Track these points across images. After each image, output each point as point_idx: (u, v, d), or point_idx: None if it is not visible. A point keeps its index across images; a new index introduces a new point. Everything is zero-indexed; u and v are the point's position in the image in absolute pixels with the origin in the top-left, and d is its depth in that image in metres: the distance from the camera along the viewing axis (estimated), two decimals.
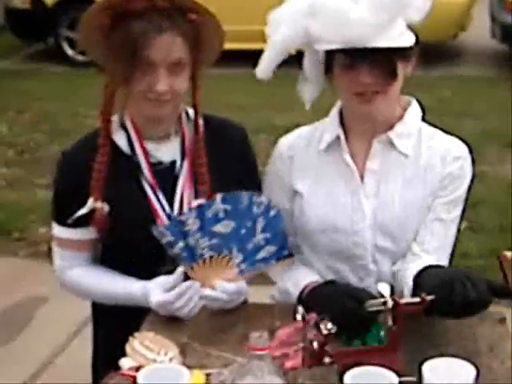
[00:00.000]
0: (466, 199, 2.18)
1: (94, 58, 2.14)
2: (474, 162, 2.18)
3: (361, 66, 2.00)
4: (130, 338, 1.93)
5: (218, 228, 2.08)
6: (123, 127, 2.18)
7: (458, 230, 2.21)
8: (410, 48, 2.04)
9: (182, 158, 2.19)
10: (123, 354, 1.90)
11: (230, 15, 6.88)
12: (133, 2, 2.00)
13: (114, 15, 2.02)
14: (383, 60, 1.99)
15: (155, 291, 2.06)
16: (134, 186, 2.16)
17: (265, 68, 2.12)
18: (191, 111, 2.22)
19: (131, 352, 1.90)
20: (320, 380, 1.82)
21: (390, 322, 1.86)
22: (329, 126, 2.21)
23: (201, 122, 2.22)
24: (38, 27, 9.92)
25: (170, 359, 1.87)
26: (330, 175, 2.19)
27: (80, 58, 9.05)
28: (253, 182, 2.32)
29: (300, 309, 1.91)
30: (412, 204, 2.12)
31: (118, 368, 1.86)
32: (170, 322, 2.06)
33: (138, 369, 1.81)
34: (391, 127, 2.15)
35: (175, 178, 2.18)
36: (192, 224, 2.05)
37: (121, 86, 2.10)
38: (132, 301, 2.12)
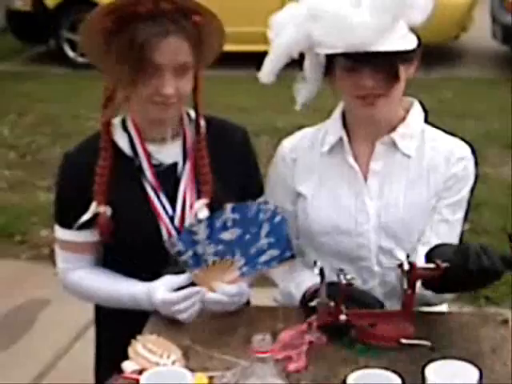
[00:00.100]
0: (469, 200, 2.18)
1: (94, 61, 2.13)
2: (476, 163, 2.18)
3: (363, 70, 2.00)
4: (133, 341, 1.93)
5: (225, 235, 2.08)
6: (125, 129, 2.18)
7: (462, 232, 2.21)
8: (412, 50, 2.04)
9: (184, 160, 2.19)
10: (126, 357, 1.90)
11: (232, 17, 6.88)
12: (137, 6, 1.99)
13: (118, 19, 2.01)
14: (385, 63, 1.99)
15: (161, 289, 2.06)
16: (136, 188, 2.16)
17: (268, 72, 2.13)
18: (192, 112, 2.22)
19: (134, 355, 1.90)
20: (323, 382, 1.82)
21: (405, 286, 1.88)
22: (332, 128, 2.21)
23: (202, 122, 2.22)
24: (40, 29, 9.93)
25: (173, 362, 1.87)
26: (333, 177, 2.19)
27: (81, 59, 9.04)
28: (255, 182, 2.33)
29: (318, 263, 1.92)
30: (416, 205, 2.12)
31: (120, 371, 1.86)
32: (172, 325, 2.06)
33: (140, 372, 1.81)
34: (394, 128, 2.15)
35: (177, 180, 2.18)
36: (202, 233, 2.05)
37: (125, 90, 2.10)
38: (135, 302, 2.12)
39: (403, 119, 2.17)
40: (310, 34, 2.04)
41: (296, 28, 2.06)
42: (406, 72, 2.06)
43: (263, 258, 2.12)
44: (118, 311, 2.20)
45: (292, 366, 1.88)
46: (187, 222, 2.13)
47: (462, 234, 2.22)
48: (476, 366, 1.75)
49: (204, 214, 2.14)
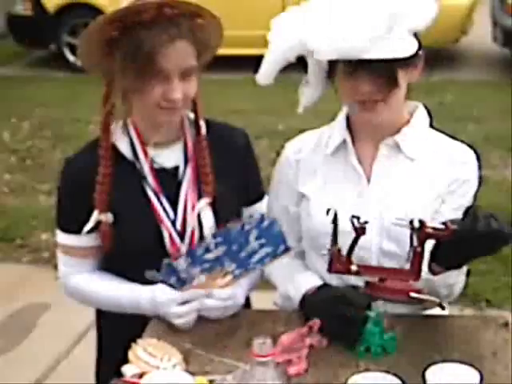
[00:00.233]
0: (473, 205, 2.18)
1: (93, 71, 2.12)
2: (480, 167, 2.18)
3: (360, 75, 2.00)
4: (133, 345, 1.93)
5: (209, 256, 2.10)
6: (126, 133, 2.18)
7: None
8: (412, 55, 2.02)
9: (185, 163, 2.19)
10: (126, 361, 1.90)
11: (232, 20, 6.90)
12: (141, 13, 1.98)
13: (122, 27, 2.00)
14: (382, 69, 1.98)
15: (166, 288, 2.08)
16: (138, 192, 2.15)
17: (265, 74, 2.13)
18: (192, 115, 2.22)
19: (134, 359, 1.89)
20: None
21: (415, 243, 1.89)
22: (336, 130, 2.21)
23: (202, 123, 2.22)
24: (40, 34, 9.95)
25: (173, 366, 1.87)
26: (336, 178, 2.19)
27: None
28: (255, 185, 2.34)
29: (332, 210, 1.96)
30: (419, 208, 2.12)
31: (121, 375, 1.86)
32: (172, 329, 2.06)
33: (141, 375, 1.82)
34: (398, 131, 2.15)
35: (178, 184, 2.18)
36: (183, 264, 2.08)
37: (127, 96, 2.10)
38: (136, 305, 2.13)
39: (407, 122, 2.17)
40: (304, 41, 2.03)
41: (291, 34, 2.06)
42: (406, 76, 2.05)
43: (256, 258, 2.12)
44: (119, 315, 2.20)
45: (292, 370, 1.88)
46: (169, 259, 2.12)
47: None
48: (477, 369, 1.75)
49: (207, 213, 2.15)
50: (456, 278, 2.04)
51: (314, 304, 2.06)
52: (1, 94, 8.65)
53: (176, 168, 2.19)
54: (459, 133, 2.24)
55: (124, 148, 2.17)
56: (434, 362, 1.80)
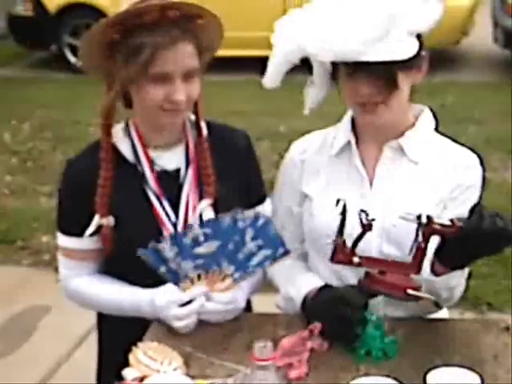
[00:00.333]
0: None
1: (94, 73, 2.13)
2: (484, 172, 2.17)
3: (359, 77, 2.00)
4: (134, 348, 1.93)
5: (200, 250, 2.08)
6: (127, 135, 2.18)
7: None
8: (412, 57, 2.02)
9: (187, 166, 2.19)
10: (127, 364, 1.89)
11: (232, 22, 6.89)
12: (143, 16, 1.98)
13: (124, 30, 2.00)
14: (381, 71, 1.98)
15: (165, 292, 2.07)
16: (139, 195, 2.15)
17: (271, 77, 2.12)
18: (193, 117, 2.22)
19: (135, 362, 1.89)
20: None
21: (420, 238, 1.89)
22: (341, 132, 2.21)
23: (203, 124, 2.22)
24: (41, 34, 9.96)
25: (174, 369, 1.87)
26: (340, 180, 2.19)
27: None
28: (257, 186, 2.33)
29: (341, 201, 1.96)
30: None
31: (121, 378, 1.86)
32: (173, 332, 2.06)
33: (141, 379, 1.82)
34: (402, 134, 2.14)
35: (180, 186, 2.18)
36: (169, 251, 2.07)
37: (130, 100, 2.10)
38: (137, 308, 2.12)
39: (412, 125, 2.16)
40: (303, 44, 2.03)
41: (292, 37, 2.06)
42: (409, 79, 2.05)
43: (255, 260, 2.12)
44: (120, 318, 2.20)
45: (293, 373, 1.88)
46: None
47: None
48: (477, 373, 1.75)
49: (209, 214, 2.15)
50: (457, 281, 2.03)
51: (314, 306, 2.06)
52: (1, 95, 8.66)
53: (177, 170, 2.19)
54: (460, 135, 2.24)
55: (125, 150, 2.17)
56: (435, 366, 1.80)
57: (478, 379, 1.73)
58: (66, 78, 9.30)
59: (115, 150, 2.16)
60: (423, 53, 2.07)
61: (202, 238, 2.08)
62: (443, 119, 2.25)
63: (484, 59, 9.90)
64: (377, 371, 1.85)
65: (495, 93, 8.14)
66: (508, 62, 9.26)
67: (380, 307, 2.12)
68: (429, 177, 2.14)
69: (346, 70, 2.03)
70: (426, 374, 1.74)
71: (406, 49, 1.99)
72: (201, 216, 2.15)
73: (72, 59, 9.73)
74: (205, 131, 2.22)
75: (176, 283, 2.09)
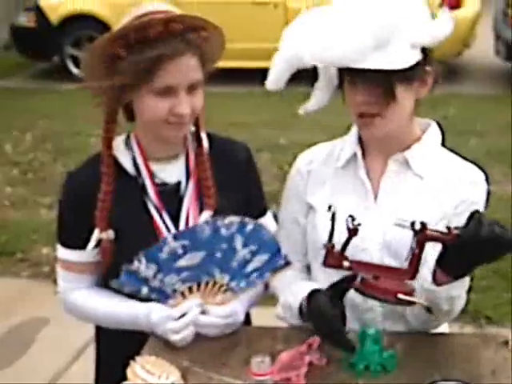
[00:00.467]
0: None
1: (96, 88, 2.12)
2: (489, 189, 2.17)
3: (357, 85, 2.00)
4: (131, 362, 1.92)
5: (182, 263, 2.07)
6: (128, 148, 2.18)
7: None
8: (411, 70, 2.00)
9: (187, 179, 2.18)
10: (125, 378, 1.88)
11: (234, 33, 6.90)
12: (147, 29, 1.98)
13: (128, 44, 2.00)
14: (379, 80, 1.97)
15: (161, 307, 2.07)
16: (139, 208, 2.15)
17: (274, 81, 2.11)
18: (193, 128, 2.21)
19: (132, 376, 1.88)
20: None
21: (413, 245, 1.89)
22: (347, 144, 2.21)
23: (204, 136, 2.22)
24: (44, 46, 10.01)
25: (172, 383, 1.86)
26: (344, 191, 2.18)
27: None
28: (258, 200, 2.33)
29: (332, 207, 1.96)
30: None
31: None
32: (171, 346, 2.05)
33: None
34: (408, 147, 2.14)
35: (180, 199, 2.17)
36: (146, 270, 2.05)
37: (133, 113, 2.10)
38: (134, 322, 2.12)
39: (418, 139, 2.16)
40: (301, 52, 2.03)
41: (292, 42, 2.05)
42: (411, 92, 2.04)
43: (251, 267, 2.11)
44: (118, 332, 2.19)
45: None
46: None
47: None
48: None
49: None
50: (458, 291, 2.01)
51: (307, 313, 2.05)
52: (3, 105, 8.68)
53: (178, 183, 2.18)
54: (461, 147, 2.24)
55: (126, 163, 2.17)
56: (434, 381, 1.79)
57: None
58: (67, 89, 9.31)
59: (116, 163, 2.16)
60: (428, 67, 2.06)
61: (180, 251, 2.06)
62: (445, 131, 2.24)
63: (486, 72, 9.91)
64: None
65: (497, 105, 8.15)
66: (510, 75, 9.27)
67: (378, 321, 2.12)
68: (433, 191, 2.13)
69: (346, 77, 2.03)
70: None
71: (404, 60, 1.98)
72: None
73: (74, 70, 9.76)
74: (205, 143, 2.22)
75: (165, 299, 2.08)
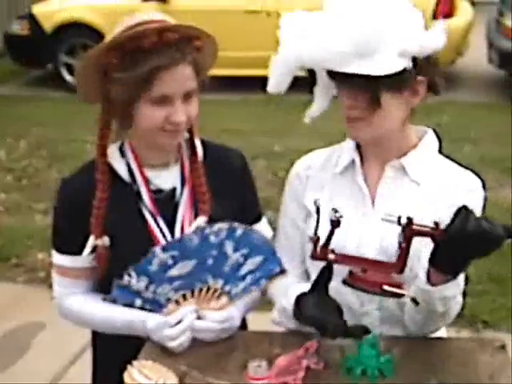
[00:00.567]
0: None
1: (90, 98, 2.13)
2: (486, 198, 2.17)
3: (344, 89, 2.03)
4: (129, 367, 1.92)
5: (174, 272, 2.07)
6: (123, 155, 2.18)
7: None
8: (405, 78, 2.02)
9: (182, 185, 2.19)
10: (122, 383, 1.88)
11: (229, 42, 6.92)
12: (142, 39, 1.98)
13: (122, 54, 2.00)
14: (363, 86, 1.99)
15: (155, 315, 2.07)
16: (135, 215, 2.15)
17: (275, 84, 2.11)
18: (187, 135, 2.21)
19: (129, 380, 1.88)
20: None
21: (401, 239, 1.90)
22: (345, 150, 2.22)
23: (198, 142, 2.22)
24: (37, 53, 9.98)
25: None
26: (342, 197, 2.19)
27: None
28: (252, 207, 2.33)
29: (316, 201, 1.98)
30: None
31: None
32: (167, 351, 2.05)
33: None
34: (405, 154, 2.15)
35: (176, 205, 2.18)
36: (137, 283, 2.06)
37: (127, 121, 2.10)
38: (130, 328, 2.12)
39: (415, 146, 2.17)
40: (293, 53, 2.04)
41: (287, 45, 2.06)
42: (397, 100, 2.04)
43: (245, 269, 2.12)
44: (115, 336, 2.19)
45: None
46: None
47: None
48: None
49: None
50: (452, 292, 2.00)
51: (301, 313, 2.05)
52: None
53: (173, 189, 2.19)
54: (455, 154, 2.24)
55: (121, 169, 2.17)
56: None
57: None
58: (61, 97, 9.30)
59: (111, 170, 2.16)
60: (420, 77, 2.06)
61: (170, 262, 2.06)
62: (439, 139, 2.25)
63: (479, 79, 9.94)
64: None
65: (490, 112, 8.17)
66: (503, 83, 9.30)
67: (376, 326, 2.12)
68: (430, 198, 2.14)
69: (334, 81, 2.05)
70: None
71: (389, 67, 1.98)
72: None
73: (68, 78, 9.74)
74: (199, 150, 2.22)
75: (160, 309, 2.09)
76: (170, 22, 2.06)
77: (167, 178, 2.19)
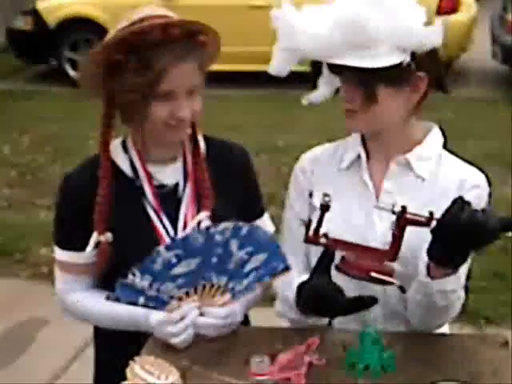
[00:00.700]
0: None
1: (93, 93, 2.13)
2: (490, 193, 2.17)
3: (342, 81, 2.05)
4: (131, 362, 1.92)
5: (178, 270, 2.05)
6: (125, 151, 2.18)
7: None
8: (403, 73, 2.02)
9: (185, 180, 2.19)
10: (124, 378, 1.88)
11: (231, 37, 6.90)
12: (146, 35, 1.98)
13: (126, 50, 2.00)
14: (359, 80, 2.00)
15: (158, 312, 2.06)
16: (138, 210, 2.15)
17: (276, 66, 2.11)
18: (189, 131, 2.21)
19: (132, 376, 1.88)
20: None
21: (394, 227, 1.90)
22: (351, 146, 2.22)
23: (200, 138, 2.22)
24: (41, 48, 10.00)
25: (171, 383, 1.86)
26: (347, 192, 2.19)
27: None
28: (255, 202, 2.33)
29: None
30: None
31: None
32: (170, 346, 2.05)
33: None
34: (411, 150, 2.14)
35: (178, 201, 2.18)
36: (141, 281, 2.04)
37: (130, 116, 2.10)
38: (134, 323, 2.12)
39: (421, 142, 2.16)
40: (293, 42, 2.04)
41: (287, 33, 2.06)
42: (394, 95, 2.04)
43: (249, 266, 2.10)
44: (117, 332, 2.19)
45: None
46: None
47: None
48: None
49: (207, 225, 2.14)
50: (452, 286, 2.00)
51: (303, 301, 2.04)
52: (1, 108, 8.67)
53: (176, 185, 2.19)
54: (459, 149, 2.24)
55: (123, 165, 2.17)
56: (434, 381, 1.79)
57: None
58: (65, 92, 9.30)
59: (113, 165, 2.16)
60: (421, 73, 2.05)
61: (174, 260, 2.04)
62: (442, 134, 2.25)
63: (483, 75, 9.93)
64: None
65: (494, 108, 8.16)
66: (506, 78, 9.29)
67: (378, 322, 2.12)
68: (434, 194, 2.13)
69: (333, 74, 2.06)
70: None
71: (380, 60, 1.98)
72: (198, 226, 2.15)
73: (71, 73, 9.75)
74: (202, 145, 2.22)
75: (163, 306, 2.08)
76: (174, 18, 2.05)
77: (170, 174, 2.19)
